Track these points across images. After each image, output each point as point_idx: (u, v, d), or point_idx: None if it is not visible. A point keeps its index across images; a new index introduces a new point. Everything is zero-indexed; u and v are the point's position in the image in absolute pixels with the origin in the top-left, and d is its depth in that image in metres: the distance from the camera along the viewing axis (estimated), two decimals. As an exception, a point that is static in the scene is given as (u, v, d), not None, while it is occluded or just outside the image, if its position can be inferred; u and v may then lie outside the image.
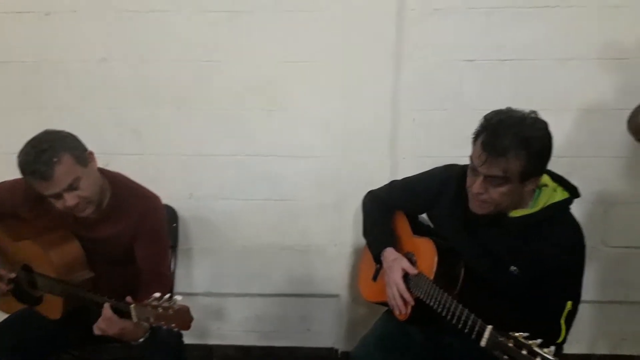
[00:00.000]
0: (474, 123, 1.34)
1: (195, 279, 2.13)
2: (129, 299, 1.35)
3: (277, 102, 1.98)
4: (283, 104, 1.98)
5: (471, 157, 1.30)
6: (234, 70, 1.95)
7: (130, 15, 1.93)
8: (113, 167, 1.63)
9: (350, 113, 1.96)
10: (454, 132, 1.92)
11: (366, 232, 1.66)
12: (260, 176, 2.03)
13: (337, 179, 2.01)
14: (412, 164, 1.86)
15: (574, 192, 1.39)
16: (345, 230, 2.04)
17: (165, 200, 1.66)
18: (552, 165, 1.93)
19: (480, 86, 1.92)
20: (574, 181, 1.96)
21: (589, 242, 2.01)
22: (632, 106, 1.68)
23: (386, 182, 1.74)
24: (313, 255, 2.10)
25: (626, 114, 1.69)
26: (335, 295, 2.12)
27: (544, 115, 1.90)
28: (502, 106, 1.91)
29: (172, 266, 2.01)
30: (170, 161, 2.04)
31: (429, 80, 1.94)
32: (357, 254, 2.02)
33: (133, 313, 1.32)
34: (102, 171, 1.54)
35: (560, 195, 1.37)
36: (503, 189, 1.27)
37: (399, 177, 1.73)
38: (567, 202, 1.36)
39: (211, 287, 2.14)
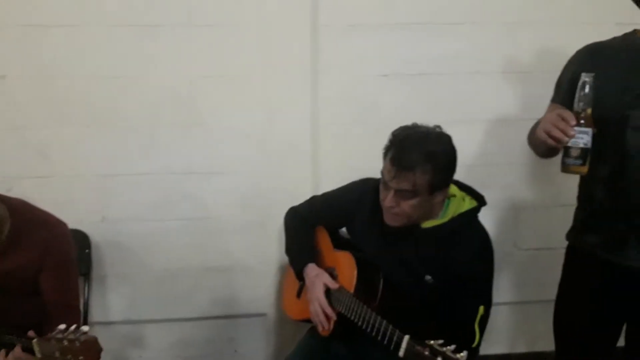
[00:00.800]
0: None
1: (112, 306, 2.01)
2: (31, 333, 1.25)
3: (195, 118, 1.93)
4: (201, 119, 1.93)
5: (382, 172, 1.34)
6: (149, 85, 1.89)
7: (34, 30, 1.82)
8: (17, 192, 1.52)
9: (270, 128, 1.95)
10: (373, 145, 1.92)
11: (288, 250, 1.64)
12: (179, 195, 1.96)
13: (260, 195, 1.99)
14: (334, 178, 1.85)
15: (481, 201, 1.45)
16: (270, 246, 2.01)
17: (75, 224, 1.56)
18: (465, 174, 2.01)
19: (396, 100, 1.97)
20: (486, 188, 2.05)
21: (502, 246, 2.14)
22: (535, 117, 1.78)
23: (309, 196, 1.75)
24: (238, 274, 2.05)
25: (530, 124, 1.80)
26: (263, 314, 2.08)
27: (456, 127, 1.98)
28: (418, 118, 1.97)
29: (85, 295, 1.90)
30: (80, 183, 1.92)
31: (346, 94, 1.97)
32: (283, 270, 1.99)
33: (36, 349, 1.22)
34: (2, 198, 1.42)
35: (469, 204, 1.42)
36: (413, 201, 1.31)
37: (322, 190, 1.74)
38: (475, 211, 1.42)
39: (130, 315, 2.02)
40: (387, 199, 1.32)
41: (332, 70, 1.93)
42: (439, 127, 1.37)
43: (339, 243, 1.60)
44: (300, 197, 1.75)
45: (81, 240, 1.87)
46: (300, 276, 1.56)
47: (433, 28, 1.94)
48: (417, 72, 1.96)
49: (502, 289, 2.16)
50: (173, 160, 1.94)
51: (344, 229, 1.63)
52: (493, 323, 2.14)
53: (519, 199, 2.11)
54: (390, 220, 1.36)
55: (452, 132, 1.99)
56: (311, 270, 1.51)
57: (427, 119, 1.96)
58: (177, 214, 1.97)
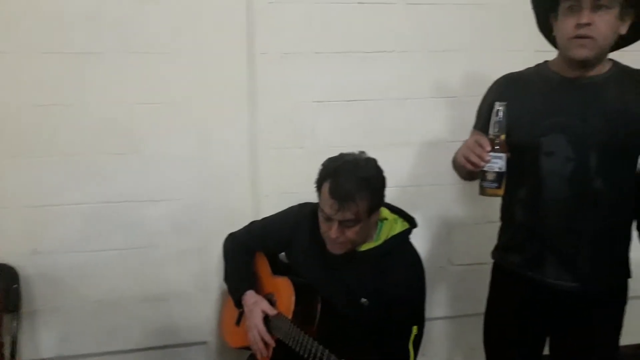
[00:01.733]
0: None
1: (43, 342, 1.92)
2: None
3: (131, 145, 1.90)
4: (137, 146, 1.90)
5: (322, 207, 1.37)
6: (83, 113, 1.84)
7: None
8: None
9: (208, 154, 1.95)
10: (311, 169, 2.00)
11: (227, 277, 1.64)
12: (114, 224, 1.91)
13: (198, 221, 1.97)
14: (274, 202, 1.88)
15: (412, 223, 1.51)
16: (210, 273, 1.99)
17: (3, 258, 1.49)
18: (399, 195, 2.11)
19: (331, 125, 2.03)
20: (419, 208, 2.15)
21: (436, 262, 2.23)
22: (462, 139, 1.89)
23: (249, 221, 1.76)
24: (176, 303, 2.01)
25: (457, 146, 1.90)
26: (203, 343, 2.05)
27: (389, 150, 2.09)
28: (353, 142, 2.05)
29: (13, 332, 1.81)
30: (8, 215, 1.83)
31: (284, 120, 2.00)
32: (224, 297, 1.98)
33: None
34: None
35: (401, 226, 1.48)
36: (356, 228, 1.36)
37: (263, 215, 1.76)
38: (407, 233, 1.48)
39: (62, 350, 1.94)
40: (332, 232, 1.36)
41: (269, 96, 1.97)
42: (363, 152, 1.43)
43: (278, 268, 1.62)
44: (240, 222, 1.76)
45: (8, 275, 1.78)
46: (239, 304, 1.56)
47: (365, 56, 2.01)
48: (350, 98, 2.03)
49: (438, 304, 2.25)
50: (107, 189, 1.89)
51: (283, 254, 1.66)
52: (430, 337, 2.25)
53: (451, 217, 2.21)
54: (335, 249, 1.40)
55: (385, 155, 2.07)
56: (249, 297, 1.52)
57: (361, 143, 2.04)
58: (112, 244, 1.92)
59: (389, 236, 1.45)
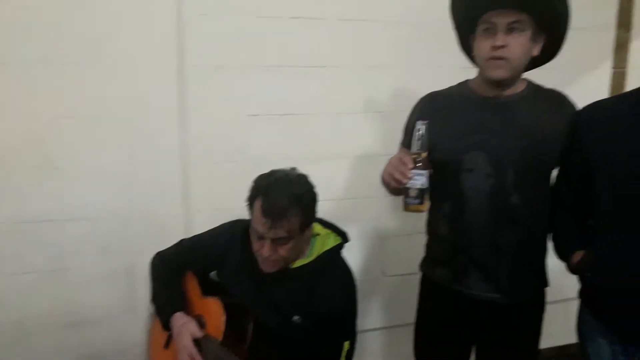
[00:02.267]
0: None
1: (-49, 377, 1.78)
2: None
3: (50, 161, 1.79)
4: (57, 162, 1.80)
5: (254, 225, 1.35)
6: (-4, 127, 1.73)
7: None
8: None
9: (136, 169, 1.88)
10: (245, 184, 1.98)
11: (154, 298, 1.58)
12: (32, 246, 1.79)
13: (125, 240, 1.89)
14: (207, 218, 1.83)
15: (344, 237, 1.52)
16: (139, 294, 1.91)
17: None
18: (334, 208, 2.12)
19: (265, 139, 2.02)
20: (353, 220, 2.17)
21: (370, 273, 2.26)
22: (392, 152, 1.94)
23: (181, 238, 1.71)
24: (103, 327, 1.91)
25: (386, 159, 1.95)
26: (132, 366, 1.97)
27: (324, 163, 2.10)
28: (287, 156, 2.04)
29: None
30: None
31: (217, 134, 1.96)
32: (153, 319, 1.91)
33: None
34: None
35: (333, 241, 1.49)
36: (289, 245, 1.36)
37: (195, 232, 1.71)
38: (339, 247, 1.49)
39: (-25, 383, 1.80)
40: (265, 250, 1.35)
41: (201, 109, 1.92)
42: (294, 168, 1.43)
43: (209, 288, 1.58)
44: (170, 240, 1.70)
45: None
46: (167, 326, 1.50)
47: (299, 70, 2.02)
48: (284, 112, 2.03)
49: (372, 315, 2.28)
50: (24, 208, 1.78)
51: (214, 273, 1.62)
52: (364, 349, 2.27)
53: (384, 229, 2.25)
54: (268, 267, 1.38)
55: (319, 169, 2.08)
56: (178, 319, 1.47)
57: (296, 157, 2.05)
58: (29, 266, 1.80)
59: (322, 252, 1.45)
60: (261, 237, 1.34)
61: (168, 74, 1.87)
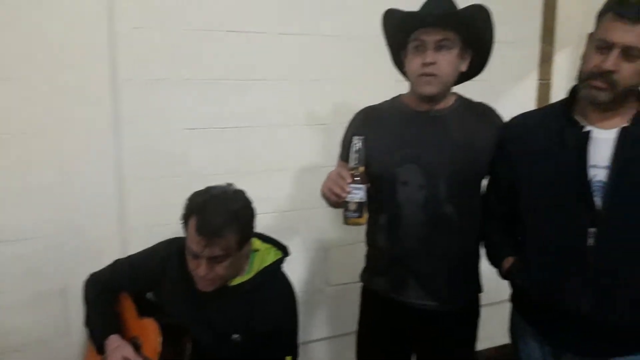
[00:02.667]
0: (202, 187, 1.39)
1: None
2: None
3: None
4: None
5: (189, 244, 1.32)
6: None
7: None
8: None
9: (68, 187, 1.81)
10: (184, 200, 1.94)
11: (88, 321, 1.52)
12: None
13: (58, 261, 1.81)
14: (144, 236, 1.78)
15: (285, 251, 1.52)
16: (71, 317, 1.83)
17: None
18: (279, 220, 2.12)
19: (205, 153, 1.99)
20: (298, 231, 2.18)
21: (314, 284, 2.27)
22: (334, 163, 1.96)
23: (118, 256, 1.65)
24: (36, 352, 1.82)
25: (328, 170, 1.97)
26: (67, 392, 1.88)
27: (267, 176, 2.10)
28: (227, 170, 2.03)
29: None
30: None
31: (154, 149, 1.92)
32: (88, 342, 1.83)
33: None
34: None
35: (273, 256, 1.48)
36: (226, 263, 1.33)
37: (132, 251, 1.65)
38: (279, 262, 1.49)
39: None
40: (201, 269, 1.32)
41: (137, 124, 1.87)
42: (231, 184, 1.41)
43: (145, 309, 1.53)
44: (106, 260, 1.64)
45: None
46: (101, 349, 1.45)
47: (238, 83, 2.01)
48: (223, 125, 2.01)
49: (318, 326, 2.29)
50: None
51: (151, 293, 1.57)
52: (312, 360, 2.27)
53: (327, 239, 2.26)
54: (205, 287, 1.36)
55: (261, 182, 2.10)
56: (112, 342, 1.42)
57: (236, 170, 2.04)
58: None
59: (261, 268, 1.44)
60: (197, 256, 1.31)
61: (100, 89, 1.81)
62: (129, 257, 1.58)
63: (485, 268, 1.59)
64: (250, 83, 2.03)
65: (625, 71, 1.18)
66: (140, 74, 1.86)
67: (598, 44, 1.21)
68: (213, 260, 1.31)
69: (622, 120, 1.25)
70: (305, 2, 2.05)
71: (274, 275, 1.46)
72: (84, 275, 1.62)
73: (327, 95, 2.15)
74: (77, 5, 1.74)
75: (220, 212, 1.30)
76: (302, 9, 2.06)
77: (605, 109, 1.25)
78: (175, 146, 1.95)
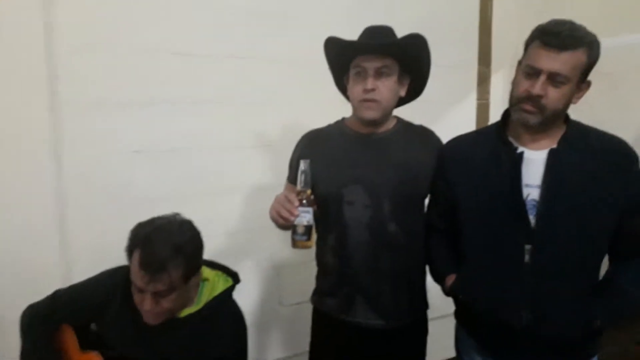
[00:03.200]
0: (149, 212, 1.36)
1: None
2: None
3: None
4: None
5: (133, 278, 1.29)
6: None
7: None
8: None
9: (8, 213, 1.74)
10: (129, 225, 1.89)
11: (23, 356, 1.44)
12: None
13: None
14: (88, 264, 1.72)
15: (236, 278, 1.50)
16: (8, 352, 1.73)
17: None
18: (230, 241, 2.11)
19: (151, 176, 1.96)
20: (249, 252, 2.17)
21: (268, 304, 2.26)
22: (283, 183, 1.97)
23: (60, 286, 1.58)
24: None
25: (280, 190, 1.98)
26: None
27: (216, 198, 2.08)
28: (176, 195, 2.00)
29: None
30: None
31: (97, 172, 1.88)
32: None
33: None
34: None
35: (223, 284, 1.46)
36: (172, 297, 1.30)
37: (75, 279, 1.58)
38: (230, 290, 1.46)
39: None
40: (146, 303, 1.28)
41: (79, 148, 1.83)
42: (178, 214, 1.38)
43: (88, 342, 1.47)
44: (47, 289, 1.57)
45: None
46: (40, 386, 1.38)
47: (184, 105, 2.00)
48: (170, 148, 1.99)
49: (271, 346, 2.28)
50: None
51: (94, 325, 1.52)
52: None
53: (279, 259, 2.27)
54: (151, 320, 1.32)
55: (212, 203, 2.09)
56: (51, 378, 1.36)
57: (184, 193, 2.02)
58: None
59: (211, 297, 1.41)
60: (141, 291, 1.28)
61: (39, 112, 1.76)
62: (70, 287, 1.52)
63: (433, 282, 1.64)
64: (197, 105, 2.02)
65: (552, 96, 1.26)
66: (82, 96, 1.82)
67: (526, 70, 1.28)
68: (158, 294, 1.27)
69: (552, 142, 1.33)
70: (252, 24, 2.08)
71: (224, 304, 1.43)
72: (22, 307, 1.55)
73: (275, 116, 2.17)
74: (15, 27, 1.70)
75: (165, 246, 1.26)
76: (248, 32, 2.08)
77: (536, 131, 1.33)
78: (120, 169, 1.91)
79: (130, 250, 1.29)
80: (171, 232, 1.29)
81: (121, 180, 1.92)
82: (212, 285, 1.44)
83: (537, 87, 1.25)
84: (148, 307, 1.27)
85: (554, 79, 1.24)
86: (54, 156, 1.80)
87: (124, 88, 1.89)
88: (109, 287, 1.43)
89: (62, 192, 1.82)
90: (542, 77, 1.25)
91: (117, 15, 1.85)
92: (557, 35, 1.23)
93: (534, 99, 1.27)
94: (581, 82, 1.28)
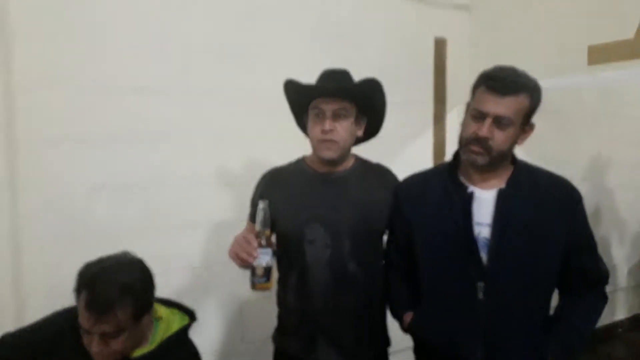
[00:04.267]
0: (108, 248, 1.35)
1: None
2: None
3: None
4: None
5: (80, 320, 1.26)
6: None
7: None
8: None
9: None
10: (85, 260, 1.85)
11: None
12: None
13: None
14: (41, 303, 1.67)
15: (192, 316, 1.48)
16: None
17: None
18: (190, 277, 2.08)
19: (110, 211, 1.94)
20: (211, 289, 2.14)
21: (231, 343, 2.23)
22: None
23: (13, 325, 1.52)
24: None
25: (226, 224, 1.98)
26: None
27: (176, 233, 2.06)
28: (136, 230, 1.97)
29: None
30: None
31: (54, 208, 1.84)
32: None
33: None
34: None
35: (179, 322, 1.44)
36: (122, 338, 1.27)
37: (29, 319, 1.52)
38: (185, 329, 1.44)
39: None
40: (94, 345, 1.25)
41: (35, 184, 1.80)
42: (127, 252, 1.36)
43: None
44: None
45: None
46: None
47: (143, 140, 1.99)
48: (130, 183, 1.97)
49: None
50: None
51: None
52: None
53: (241, 295, 2.25)
54: None
55: (173, 238, 2.07)
56: None
57: (144, 228, 2.00)
58: None
59: (165, 336, 1.39)
60: (88, 332, 1.25)
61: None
62: (18, 330, 1.45)
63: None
64: (156, 140, 2.02)
65: (498, 138, 1.33)
66: (39, 133, 1.80)
67: (473, 113, 1.35)
68: (106, 336, 1.24)
69: (500, 182, 1.39)
70: (211, 59, 2.10)
71: (179, 343, 1.41)
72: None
73: (237, 152, 2.19)
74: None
75: (111, 286, 1.23)
76: (209, 67, 2.10)
77: (485, 171, 1.39)
78: (78, 205, 1.89)
79: (77, 291, 1.27)
80: (118, 272, 1.27)
81: (79, 216, 1.89)
82: (167, 323, 1.41)
83: (484, 130, 1.32)
84: (96, 350, 1.24)
85: (499, 122, 1.31)
86: (9, 192, 1.76)
87: (82, 124, 1.87)
88: (59, 329, 1.38)
89: (17, 227, 1.78)
90: (488, 120, 1.31)
91: (73, 52, 1.85)
92: (501, 81, 1.30)
93: (481, 141, 1.33)
94: (525, 125, 1.36)
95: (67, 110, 1.84)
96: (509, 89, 1.30)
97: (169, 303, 1.47)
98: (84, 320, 1.23)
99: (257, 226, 1.39)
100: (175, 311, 1.46)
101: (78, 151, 1.87)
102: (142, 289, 1.31)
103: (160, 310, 1.42)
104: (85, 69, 1.87)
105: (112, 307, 1.22)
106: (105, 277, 1.25)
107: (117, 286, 1.24)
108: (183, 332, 1.42)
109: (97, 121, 1.90)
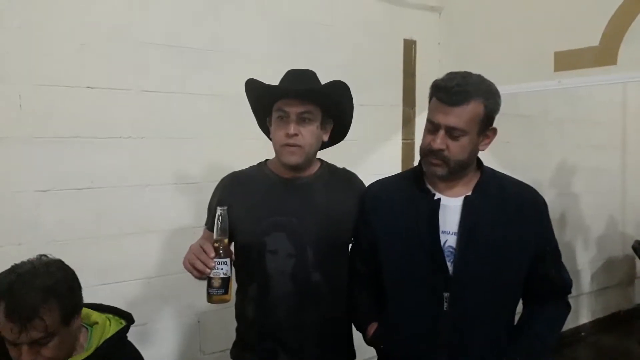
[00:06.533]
0: (57, 255, 1.28)
1: None
2: None
3: None
4: None
5: (2, 331, 1.17)
6: None
7: None
8: None
9: None
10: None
11: None
12: None
13: None
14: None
15: (129, 319, 1.39)
16: None
17: None
18: (145, 287, 1.97)
19: (59, 216, 1.82)
20: (168, 298, 2.04)
21: (189, 353, 2.13)
22: (203, 225, 1.86)
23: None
24: None
25: (198, 232, 1.87)
26: None
27: (129, 239, 1.96)
28: (84, 233, 1.86)
29: None
30: None
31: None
32: None
33: None
34: None
35: (115, 326, 1.35)
36: (54, 343, 1.19)
37: None
38: (122, 332, 1.35)
39: None
40: (24, 356, 1.16)
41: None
42: (44, 255, 1.27)
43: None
44: None
45: None
46: None
47: (97, 142, 1.88)
48: (80, 186, 1.86)
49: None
50: None
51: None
52: None
53: (200, 305, 2.14)
54: None
55: (127, 246, 1.97)
56: None
57: (96, 235, 1.89)
58: None
59: (101, 341, 1.29)
60: (15, 344, 1.16)
61: None
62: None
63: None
64: (110, 141, 1.91)
65: (453, 149, 1.28)
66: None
67: (428, 125, 1.32)
68: (36, 343, 1.16)
69: (467, 189, 1.35)
70: (172, 59, 2.01)
71: (118, 347, 1.32)
72: None
73: (198, 153, 2.09)
74: None
75: (31, 291, 1.16)
76: (170, 66, 2.01)
77: (449, 180, 1.34)
78: (24, 210, 1.76)
79: None
80: (37, 275, 1.19)
81: (25, 221, 1.76)
82: (103, 328, 1.33)
83: (437, 142, 1.28)
84: (26, 359, 1.15)
85: (451, 133, 1.27)
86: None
87: (28, 123, 1.75)
88: None
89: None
90: (441, 132, 1.28)
91: (25, 47, 1.73)
92: (447, 91, 1.26)
93: (436, 153, 1.29)
94: (483, 131, 1.31)
95: (12, 109, 1.72)
96: (457, 99, 1.25)
97: (102, 308, 1.40)
98: (7, 332, 1.15)
99: (215, 234, 1.31)
100: (110, 316, 1.39)
101: (25, 152, 1.75)
102: (67, 289, 1.22)
103: (94, 315, 1.35)
104: (36, 65, 1.75)
105: (37, 312, 1.14)
106: (22, 284, 1.17)
107: (38, 290, 1.16)
108: (120, 336, 1.34)
109: (46, 120, 1.78)
